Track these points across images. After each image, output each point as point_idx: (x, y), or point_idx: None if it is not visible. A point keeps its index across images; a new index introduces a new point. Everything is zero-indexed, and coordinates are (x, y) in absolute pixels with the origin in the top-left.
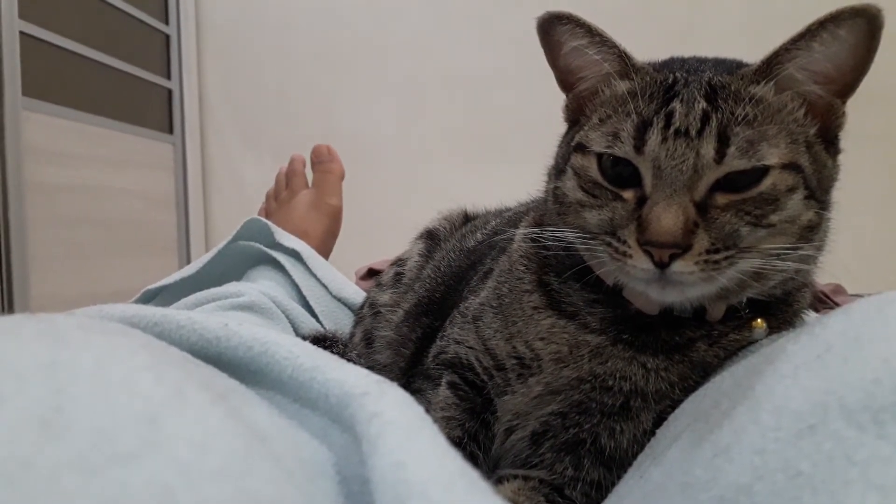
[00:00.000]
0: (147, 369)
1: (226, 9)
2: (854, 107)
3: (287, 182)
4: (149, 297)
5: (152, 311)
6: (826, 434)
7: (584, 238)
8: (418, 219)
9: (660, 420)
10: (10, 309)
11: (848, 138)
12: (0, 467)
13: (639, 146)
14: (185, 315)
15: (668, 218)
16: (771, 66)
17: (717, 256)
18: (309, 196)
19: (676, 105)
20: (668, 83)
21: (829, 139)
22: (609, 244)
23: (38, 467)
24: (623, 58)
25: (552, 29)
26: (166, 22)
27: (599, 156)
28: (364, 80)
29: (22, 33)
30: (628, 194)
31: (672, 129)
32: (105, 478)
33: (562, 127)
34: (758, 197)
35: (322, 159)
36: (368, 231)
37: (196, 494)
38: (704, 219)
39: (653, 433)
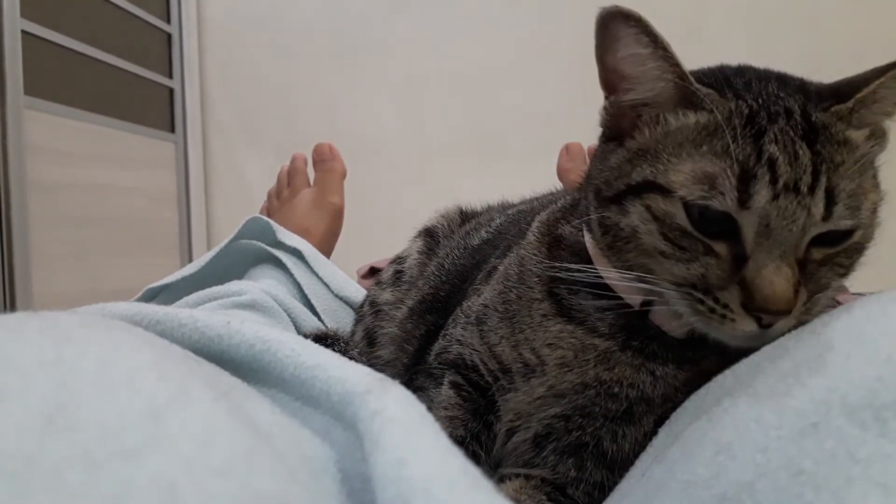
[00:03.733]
0: (150, 367)
1: (228, 7)
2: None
3: (289, 181)
4: (151, 296)
5: (154, 310)
6: (828, 432)
7: (644, 284)
8: (420, 217)
9: (661, 419)
10: (13, 307)
11: None
12: (4, 463)
13: (744, 200)
14: (187, 313)
15: (781, 284)
16: (866, 104)
17: (809, 305)
18: (311, 195)
19: (774, 150)
20: (747, 113)
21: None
22: (701, 302)
23: (42, 463)
24: (684, 79)
25: (614, 25)
26: (168, 21)
27: (686, 203)
28: (366, 78)
29: (24, 32)
30: (721, 248)
31: (781, 184)
32: (108, 473)
33: (565, 125)
34: (850, 248)
35: (324, 158)
36: (370, 229)
37: (200, 490)
38: (803, 274)
39: (654, 432)
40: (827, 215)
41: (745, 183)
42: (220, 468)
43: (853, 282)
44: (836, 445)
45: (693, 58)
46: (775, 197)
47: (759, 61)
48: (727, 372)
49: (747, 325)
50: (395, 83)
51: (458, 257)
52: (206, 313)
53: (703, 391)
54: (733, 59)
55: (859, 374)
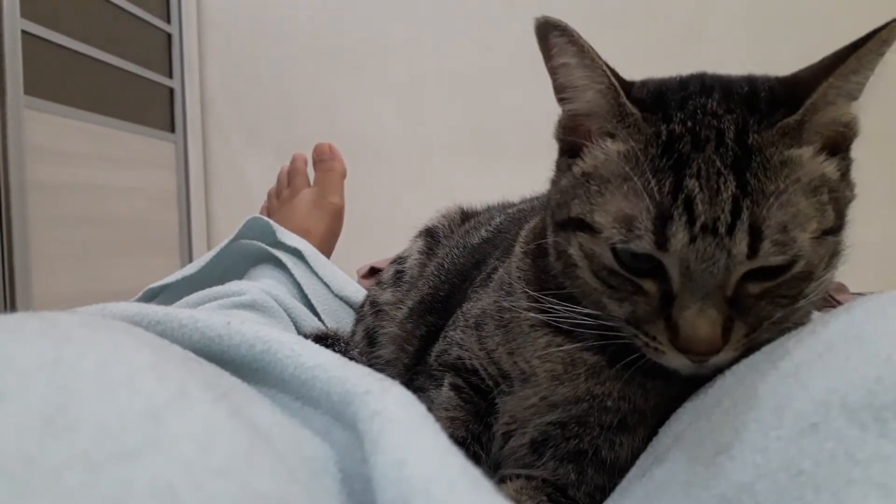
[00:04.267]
0: (150, 367)
1: (228, 7)
2: (857, 106)
3: (289, 181)
4: (151, 296)
5: (154, 310)
6: (828, 433)
7: (601, 319)
8: (421, 217)
9: (661, 420)
10: (13, 308)
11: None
12: (3, 465)
13: (661, 243)
14: (187, 313)
15: (703, 326)
16: (817, 110)
17: (754, 335)
18: (311, 195)
19: (693, 186)
20: (670, 140)
21: (841, 152)
22: (636, 336)
23: (41, 465)
24: (613, 91)
25: (548, 35)
26: (168, 21)
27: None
28: (366, 77)
29: (24, 32)
30: (650, 286)
31: (698, 225)
32: (108, 475)
33: None
34: (791, 278)
35: (324, 158)
36: (370, 229)
37: (199, 492)
38: (738, 309)
39: (654, 433)
40: (752, 253)
41: (661, 225)
42: (219, 469)
43: (853, 282)
44: (835, 446)
45: (693, 58)
46: (692, 240)
47: (760, 61)
48: (726, 372)
49: (678, 361)
50: (394, 83)
51: (457, 256)
52: (207, 314)
53: (702, 391)
54: (733, 58)
55: (859, 375)
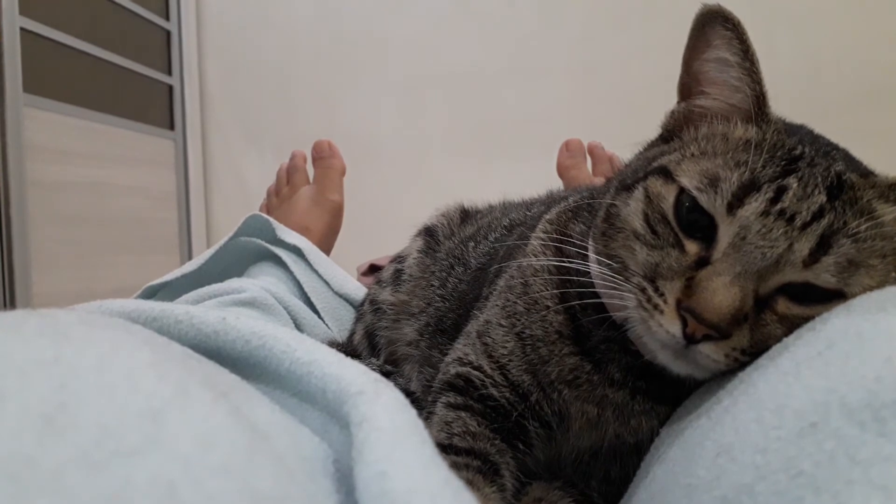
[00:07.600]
0: (150, 366)
1: (227, 5)
2: (858, 103)
3: (288, 178)
4: (150, 294)
5: (151, 306)
6: (828, 433)
7: (614, 275)
8: (420, 215)
9: (663, 420)
10: (13, 306)
11: (851, 136)
12: (3, 465)
13: (733, 206)
14: (183, 309)
15: (724, 297)
16: None
17: (745, 358)
18: (310, 192)
19: (792, 182)
20: (794, 153)
21: None
22: (643, 290)
23: (42, 464)
24: (761, 99)
25: (710, 26)
26: (167, 18)
27: (681, 191)
28: (365, 76)
29: (23, 29)
30: (692, 247)
31: (778, 207)
32: (108, 474)
33: (564, 123)
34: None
35: (323, 155)
36: (370, 227)
37: (199, 490)
38: (756, 316)
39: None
40: (811, 261)
41: (744, 191)
42: (219, 468)
43: None
44: (835, 447)
45: None
46: (765, 214)
47: (759, 60)
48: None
49: (671, 325)
50: (394, 81)
51: (461, 277)
52: (203, 309)
53: (702, 388)
54: None
55: (859, 375)
